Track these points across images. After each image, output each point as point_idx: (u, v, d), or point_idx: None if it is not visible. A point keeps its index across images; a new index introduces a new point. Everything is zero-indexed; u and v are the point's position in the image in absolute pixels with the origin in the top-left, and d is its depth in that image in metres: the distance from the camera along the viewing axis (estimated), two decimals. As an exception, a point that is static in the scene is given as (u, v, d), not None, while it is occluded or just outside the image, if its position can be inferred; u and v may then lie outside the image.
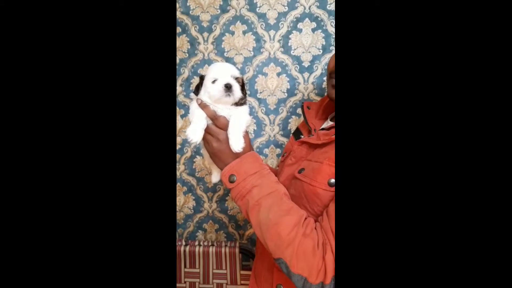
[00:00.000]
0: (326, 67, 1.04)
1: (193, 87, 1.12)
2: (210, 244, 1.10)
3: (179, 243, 1.11)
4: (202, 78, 0.60)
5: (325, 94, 0.90)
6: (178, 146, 1.15)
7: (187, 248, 1.09)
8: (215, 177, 0.67)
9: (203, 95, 0.59)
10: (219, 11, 1.07)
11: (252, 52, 1.08)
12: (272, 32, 1.06)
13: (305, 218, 0.51)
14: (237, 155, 0.56)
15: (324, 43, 1.04)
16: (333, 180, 0.53)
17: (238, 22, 1.07)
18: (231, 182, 0.55)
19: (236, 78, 0.59)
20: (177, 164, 1.17)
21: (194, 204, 1.19)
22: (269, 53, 1.08)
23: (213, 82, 0.58)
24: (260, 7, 1.05)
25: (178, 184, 1.18)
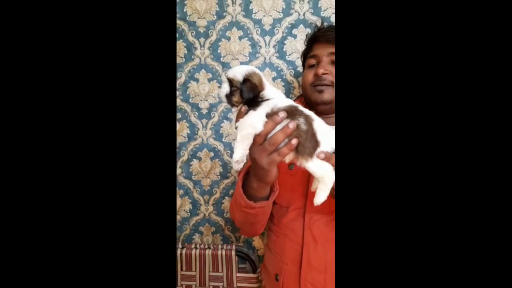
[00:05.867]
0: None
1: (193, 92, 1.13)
2: (206, 246, 1.11)
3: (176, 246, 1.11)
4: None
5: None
6: (174, 150, 1.16)
7: (184, 251, 1.10)
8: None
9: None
10: (215, 17, 1.09)
11: (248, 57, 1.10)
12: (267, 38, 1.09)
13: None
14: None
15: (318, 48, 1.06)
16: None
17: (234, 28, 1.09)
18: None
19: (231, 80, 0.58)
20: (173, 167, 1.17)
21: (191, 207, 1.20)
22: (265, 58, 1.10)
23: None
24: (255, 13, 1.07)
25: (175, 187, 1.19)
